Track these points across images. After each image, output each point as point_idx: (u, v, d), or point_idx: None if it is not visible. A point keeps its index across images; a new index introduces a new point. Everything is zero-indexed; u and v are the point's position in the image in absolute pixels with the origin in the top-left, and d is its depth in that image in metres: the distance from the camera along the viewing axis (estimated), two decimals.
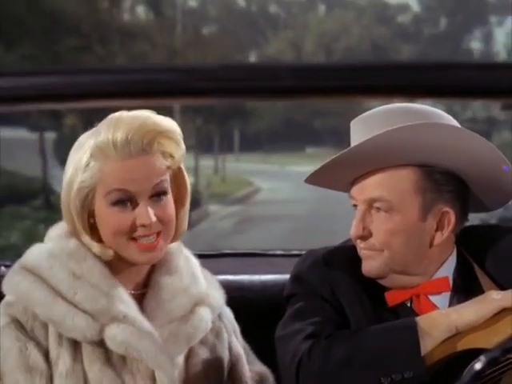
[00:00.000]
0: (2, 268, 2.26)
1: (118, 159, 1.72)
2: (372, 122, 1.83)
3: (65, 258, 1.75)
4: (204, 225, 17.07)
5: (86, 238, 1.76)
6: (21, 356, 1.70)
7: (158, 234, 1.75)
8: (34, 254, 1.78)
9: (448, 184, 1.84)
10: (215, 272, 1.96)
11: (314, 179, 1.92)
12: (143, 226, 1.73)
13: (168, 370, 1.74)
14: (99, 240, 1.76)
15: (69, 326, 1.70)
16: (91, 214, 1.76)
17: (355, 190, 1.87)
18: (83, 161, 1.74)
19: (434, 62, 1.05)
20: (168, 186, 1.78)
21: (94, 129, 1.78)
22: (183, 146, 1.80)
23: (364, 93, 1.04)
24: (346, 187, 1.90)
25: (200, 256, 1.94)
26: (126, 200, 1.73)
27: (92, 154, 1.73)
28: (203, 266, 1.93)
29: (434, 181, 1.83)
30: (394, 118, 1.81)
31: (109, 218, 1.74)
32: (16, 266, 1.78)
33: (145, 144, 1.72)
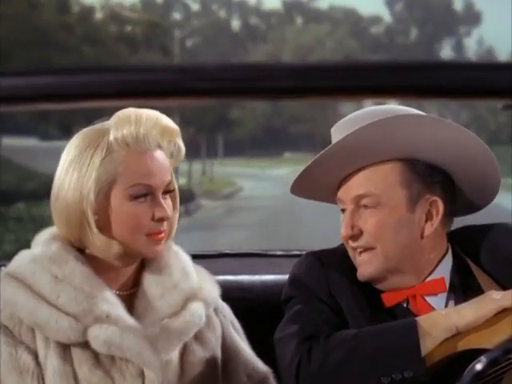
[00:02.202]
0: (3, 268, 2.26)
1: (139, 152, 1.76)
2: (352, 125, 1.84)
3: (47, 263, 1.76)
4: (199, 214, 21.85)
5: (96, 234, 1.75)
6: (11, 359, 1.72)
7: (164, 232, 1.79)
8: (19, 260, 1.80)
9: (433, 175, 1.85)
10: (215, 272, 1.95)
11: (299, 187, 1.92)
12: (161, 219, 1.76)
13: (154, 365, 1.74)
14: (108, 237, 1.77)
15: (53, 329, 1.72)
16: (98, 212, 1.76)
17: (341, 192, 1.87)
18: (96, 155, 1.75)
19: (434, 62, 1.05)
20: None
21: (98, 127, 1.79)
22: (184, 150, 1.84)
23: (364, 93, 1.04)
24: (333, 194, 1.90)
25: (200, 256, 1.94)
26: (147, 194, 1.76)
27: (110, 148, 1.75)
28: (203, 266, 1.93)
29: (418, 172, 1.84)
30: (374, 119, 1.82)
31: (128, 211, 1.75)
32: (2, 273, 1.80)
33: (160, 139, 1.77)
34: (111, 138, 1.76)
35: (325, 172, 1.85)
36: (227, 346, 1.91)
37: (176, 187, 1.86)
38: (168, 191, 1.80)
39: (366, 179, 1.84)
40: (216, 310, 1.91)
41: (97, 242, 1.76)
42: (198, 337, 1.85)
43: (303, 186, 1.92)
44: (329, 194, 1.92)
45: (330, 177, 1.87)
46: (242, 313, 1.96)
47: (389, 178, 1.83)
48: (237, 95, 1.08)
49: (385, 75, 1.03)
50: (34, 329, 1.74)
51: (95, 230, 1.75)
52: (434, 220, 1.85)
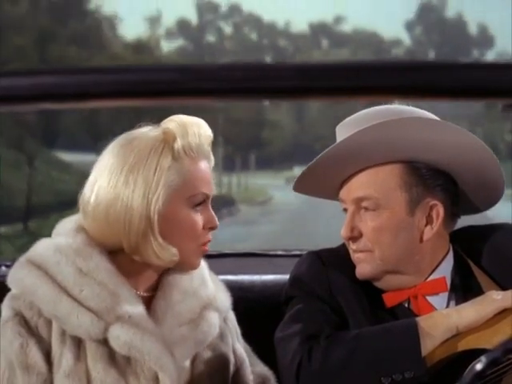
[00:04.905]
0: (3, 268, 2.26)
1: (199, 160, 1.77)
2: (356, 124, 1.83)
3: (72, 254, 1.73)
4: (239, 215, 27.27)
5: (161, 242, 1.73)
6: (21, 352, 1.69)
7: None
8: (41, 248, 1.76)
9: (434, 178, 1.84)
10: (216, 272, 1.95)
11: (302, 185, 1.92)
12: (212, 228, 1.78)
13: (171, 371, 1.73)
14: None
15: (73, 324, 1.69)
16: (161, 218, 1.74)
17: (343, 192, 1.87)
18: (165, 163, 1.73)
19: (434, 62, 1.05)
20: None
21: (152, 132, 1.76)
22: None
23: (364, 93, 1.04)
24: (335, 193, 1.90)
25: None
26: (203, 202, 1.78)
27: (176, 155, 1.74)
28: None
29: (419, 175, 1.83)
30: (379, 119, 1.81)
31: (188, 218, 1.75)
32: (22, 259, 1.76)
33: (208, 149, 1.80)
34: (178, 144, 1.74)
35: (327, 172, 1.85)
36: (235, 354, 1.91)
37: None
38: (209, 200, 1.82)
39: (367, 181, 1.84)
40: (225, 318, 1.91)
41: (157, 249, 1.73)
42: (210, 345, 1.84)
43: (306, 184, 1.92)
44: (331, 193, 1.92)
45: (331, 177, 1.87)
46: (242, 313, 1.95)
47: (389, 181, 1.83)
48: (237, 95, 1.08)
49: (385, 75, 1.03)
50: (52, 322, 1.71)
51: (159, 237, 1.73)
52: (434, 224, 1.84)
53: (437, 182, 1.84)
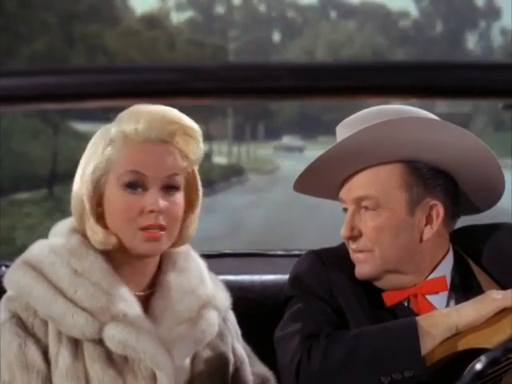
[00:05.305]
0: (3, 268, 2.26)
1: (137, 142, 1.74)
2: (356, 124, 1.84)
3: (66, 255, 1.74)
4: (248, 183, 29.58)
5: (92, 224, 1.75)
6: (20, 352, 1.70)
7: (163, 229, 1.74)
8: (37, 249, 1.78)
9: (435, 178, 1.84)
10: (216, 272, 1.95)
11: (302, 184, 1.92)
12: (151, 211, 1.72)
13: (168, 369, 1.73)
14: (105, 228, 1.76)
15: (68, 324, 1.70)
16: (100, 203, 1.76)
17: (343, 192, 1.88)
18: (100, 147, 1.76)
19: (434, 62, 1.05)
20: (181, 183, 1.78)
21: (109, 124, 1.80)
22: (202, 147, 1.80)
23: (364, 93, 1.04)
24: (335, 193, 1.90)
25: (200, 256, 1.94)
26: (139, 183, 1.73)
27: (111, 139, 1.75)
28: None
29: (420, 175, 1.83)
30: (380, 118, 1.82)
31: (119, 200, 1.73)
32: (18, 260, 1.77)
33: (166, 134, 1.74)
34: (113, 130, 1.76)
35: (327, 171, 1.86)
36: (235, 354, 1.91)
37: (198, 188, 1.83)
38: (171, 186, 1.75)
39: (367, 181, 1.84)
40: (224, 318, 1.91)
41: (94, 232, 1.75)
42: (209, 344, 1.84)
43: (306, 184, 1.92)
44: (331, 192, 1.92)
45: (332, 176, 1.87)
46: (242, 313, 1.95)
47: (389, 181, 1.83)
48: (237, 95, 1.08)
49: (385, 75, 1.03)
50: (48, 322, 1.72)
51: (92, 219, 1.74)
52: (434, 224, 1.84)
53: (437, 181, 1.84)
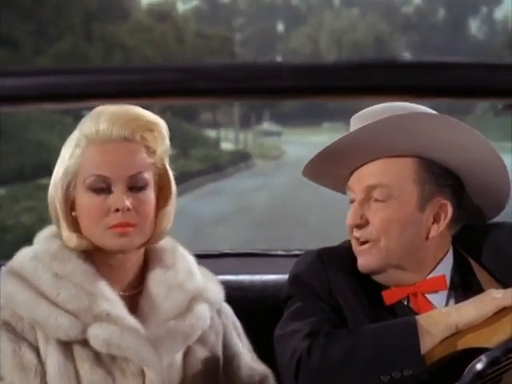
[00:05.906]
0: (3, 268, 2.26)
1: (99, 143, 1.75)
2: (373, 116, 1.83)
3: (48, 260, 1.77)
4: (255, 168, 30.15)
5: (65, 229, 1.77)
6: (15, 356, 1.72)
7: (133, 226, 1.75)
8: (20, 257, 1.81)
9: (445, 178, 1.85)
10: (215, 272, 1.95)
11: (312, 170, 1.91)
12: (117, 210, 1.73)
13: (155, 365, 1.74)
14: (79, 232, 1.78)
15: (52, 327, 1.72)
16: (73, 207, 1.78)
17: (353, 180, 1.86)
18: (68, 152, 1.78)
19: (434, 62, 1.05)
20: (149, 180, 1.77)
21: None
22: (167, 142, 1.80)
23: (364, 93, 1.04)
24: (343, 183, 1.90)
25: (200, 256, 1.94)
26: (104, 186, 1.75)
27: (76, 143, 1.77)
28: (203, 266, 1.93)
29: (432, 172, 1.83)
30: (396, 113, 1.82)
31: (85, 203, 1.75)
32: (5, 269, 1.81)
33: (127, 132, 1.75)
34: (76, 133, 1.78)
35: (339, 159, 1.84)
36: (228, 348, 1.90)
37: (171, 183, 1.83)
38: (138, 185, 1.75)
39: (380, 170, 1.83)
40: (219, 312, 1.90)
41: (67, 237, 1.77)
42: (201, 338, 1.84)
43: (315, 171, 1.91)
44: (339, 181, 1.91)
45: (343, 164, 1.86)
46: (242, 313, 1.96)
47: (403, 173, 1.83)
48: (237, 95, 1.08)
49: (385, 75, 1.03)
50: (35, 326, 1.74)
51: (64, 224, 1.77)
52: (441, 223, 1.84)
53: (447, 181, 1.85)
